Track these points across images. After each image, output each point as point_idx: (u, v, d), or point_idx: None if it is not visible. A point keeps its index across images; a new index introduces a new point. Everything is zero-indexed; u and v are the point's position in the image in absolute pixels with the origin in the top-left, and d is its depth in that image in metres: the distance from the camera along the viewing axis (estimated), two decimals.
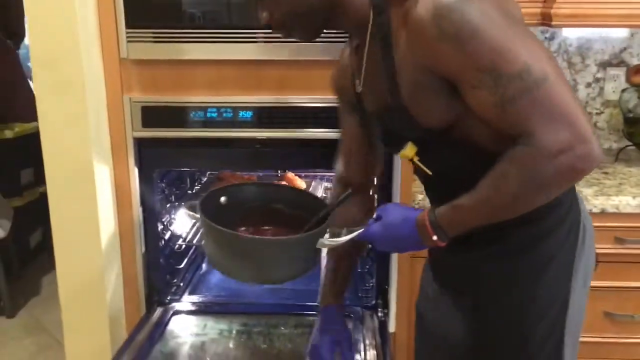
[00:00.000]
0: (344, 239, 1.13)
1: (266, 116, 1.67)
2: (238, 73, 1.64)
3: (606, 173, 1.95)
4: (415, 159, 1.12)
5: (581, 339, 1.87)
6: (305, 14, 1.12)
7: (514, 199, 0.99)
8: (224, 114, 1.69)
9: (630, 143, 2.08)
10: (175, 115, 1.69)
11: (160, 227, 1.85)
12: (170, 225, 1.96)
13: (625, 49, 2.17)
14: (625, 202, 1.71)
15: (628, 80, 2.02)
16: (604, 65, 2.17)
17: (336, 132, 1.43)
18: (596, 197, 1.74)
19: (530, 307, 1.14)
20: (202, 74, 1.65)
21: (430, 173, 1.13)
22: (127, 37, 1.62)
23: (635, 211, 1.71)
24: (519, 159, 0.95)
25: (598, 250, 1.73)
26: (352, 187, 1.24)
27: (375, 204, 1.55)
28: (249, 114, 1.68)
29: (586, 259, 1.19)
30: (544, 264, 1.13)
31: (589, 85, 2.20)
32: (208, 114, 1.69)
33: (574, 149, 0.92)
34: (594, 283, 1.78)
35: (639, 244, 1.75)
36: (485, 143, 1.04)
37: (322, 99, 1.62)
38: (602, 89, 2.19)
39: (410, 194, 1.70)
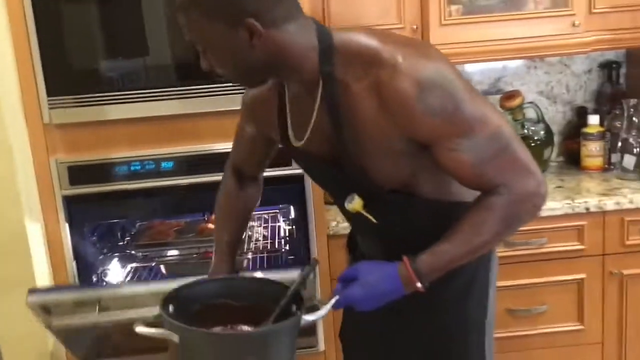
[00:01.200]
0: (326, 309, 1.11)
1: (186, 164, 1.84)
2: (157, 128, 1.81)
3: None
4: (363, 211, 1.16)
5: None
6: (246, 72, 1.10)
7: (493, 239, 1.14)
8: (147, 166, 1.84)
9: None
10: (100, 172, 1.82)
11: (95, 279, 1.95)
12: (105, 276, 2.06)
13: (500, 78, 2.48)
14: None
15: (502, 105, 2.32)
16: (485, 94, 2.47)
17: None
18: None
19: (461, 315, 1.30)
20: (124, 131, 1.80)
21: (375, 222, 1.17)
22: (49, 104, 1.76)
23: (557, 214, 1.96)
24: (499, 206, 1.09)
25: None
26: (245, 176, 1.43)
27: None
28: (170, 164, 1.84)
29: (496, 267, 1.38)
30: (470, 281, 1.29)
31: None
32: (132, 168, 1.84)
33: (538, 192, 1.11)
34: None
35: (526, 245, 2.00)
36: (427, 194, 1.18)
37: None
38: None
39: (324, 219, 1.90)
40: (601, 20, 2.09)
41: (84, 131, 1.79)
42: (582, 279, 2.03)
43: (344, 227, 1.84)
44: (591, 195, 2.03)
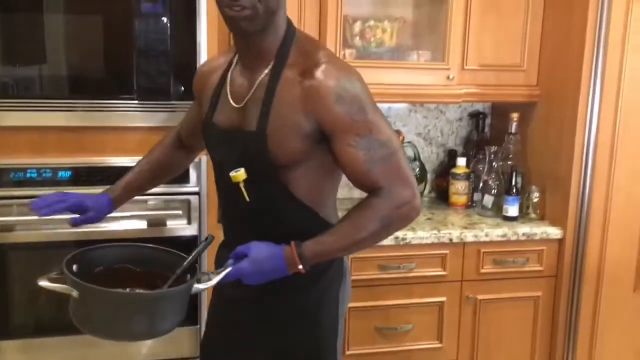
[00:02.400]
0: (217, 279, 1.24)
1: (85, 175, 1.88)
2: (59, 137, 1.84)
3: None
4: (242, 184, 1.33)
5: (356, 352, 2.33)
6: (265, 12, 1.27)
7: (370, 237, 1.32)
8: (44, 174, 1.87)
9: None
10: None
11: None
12: None
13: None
14: None
15: None
16: None
17: None
18: None
19: (314, 331, 1.44)
20: (24, 139, 1.82)
21: (248, 199, 1.34)
22: None
23: (391, 243, 2.19)
24: (379, 207, 1.30)
25: (366, 277, 2.19)
26: (183, 144, 1.66)
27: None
28: (68, 173, 1.88)
29: (348, 292, 1.55)
30: (318, 302, 1.44)
31: None
32: (27, 175, 1.86)
33: (412, 202, 1.32)
34: (364, 303, 2.24)
35: (398, 269, 2.23)
36: (299, 194, 1.36)
37: (135, 159, 1.89)
38: None
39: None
40: (471, 76, 2.40)
41: None
42: (442, 302, 2.29)
43: None
44: (455, 228, 2.31)
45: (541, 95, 2.46)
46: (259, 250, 1.29)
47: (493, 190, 2.49)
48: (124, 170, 1.75)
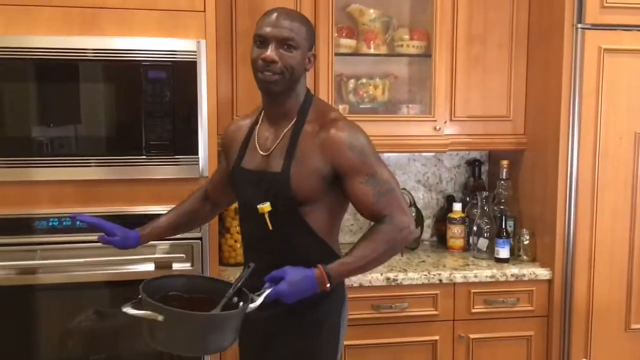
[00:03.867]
0: (260, 300, 1.49)
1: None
2: (76, 189, 2.09)
3: None
4: (267, 215, 1.62)
5: None
6: (291, 75, 1.61)
7: (380, 257, 1.62)
8: (64, 222, 2.11)
9: None
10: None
11: None
12: None
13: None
14: (375, 277, 2.34)
15: None
16: None
17: None
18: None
19: (315, 343, 1.70)
20: (45, 191, 2.08)
21: (270, 228, 1.62)
22: None
23: (383, 284, 2.33)
24: (385, 232, 1.61)
25: (360, 315, 2.32)
26: (210, 202, 1.95)
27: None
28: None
29: (347, 311, 1.79)
30: (320, 323, 1.70)
31: None
32: (50, 223, 2.11)
33: (410, 226, 1.64)
34: (360, 342, 2.36)
35: (390, 309, 2.36)
36: (314, 226, 1.65)
37: (145, 208, 2.12)
38: None
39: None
40: (460, 126, 2.58)
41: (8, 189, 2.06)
42: (435, 341, 2.40)
43: None
44: (445, 270, 2.43)
45: (528, 143, 2.61)
46: (294, 274, 1.54)
47: (486, 234, 2.61)
48: (135, 217, 1.97)
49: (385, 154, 2.80)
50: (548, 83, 2.45)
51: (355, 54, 2.56)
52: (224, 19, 2.36)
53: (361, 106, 2.61)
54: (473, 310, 2.41)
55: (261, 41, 1.61)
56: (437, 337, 2.40)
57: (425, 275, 2.37)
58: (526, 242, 2.57)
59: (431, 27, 2.50)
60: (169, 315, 1.40)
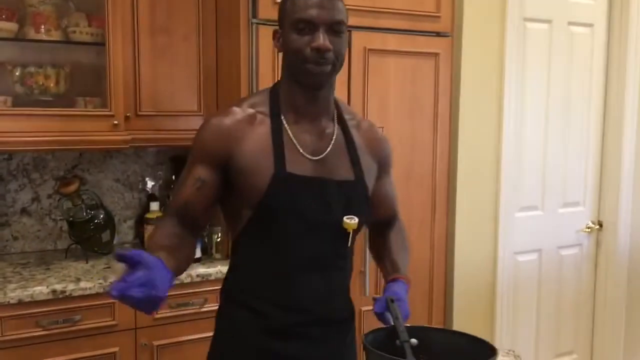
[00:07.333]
0: (405, 331, 1.34)
1: None
2: None
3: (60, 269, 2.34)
4: (351, 232, 1.42)
5: None
6: (340, 63, 1.41)
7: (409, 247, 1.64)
8: None
9: (73, 242, 2.52)
10: None
11: None
12: None
13: (76, 165, 2.67)
14: (38, 291, 2.09)
15: (59, 191, 2.49)
16: (59, 179, 2.62)
17: None
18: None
19: None
20: None
21: (349, 245, 1.44)
22: None
23: (49, 297, 2.10)
24: (403, 226, 1.65)
25: (23, 335, 2.07)
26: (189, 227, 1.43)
27: None
28: None
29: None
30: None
31: (49, 196, 2.63)
32: None
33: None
34: None
35: (57, 324, 2.12)
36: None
37: None
38: (59, 200, 2.60)
39: None
40: (146, 121, 2.44)
41: None
42: (115, 352, 2.23)
43: None
44: None
45: None
46: (402, 290, 1.46)
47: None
48: None
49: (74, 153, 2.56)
50: (232, 77, 2.41)
51: (18, 39, 2.27)
52: None
53: (32, 98, 2.33)
54: (157, 316, 2.29)
55: (305, 27, 1.35)
56: (116, 349, 2.24)
57: (100, 284, 2.19)
58: (218, 240, 2.52)
59: (104, 13, 2.31)
60: None
